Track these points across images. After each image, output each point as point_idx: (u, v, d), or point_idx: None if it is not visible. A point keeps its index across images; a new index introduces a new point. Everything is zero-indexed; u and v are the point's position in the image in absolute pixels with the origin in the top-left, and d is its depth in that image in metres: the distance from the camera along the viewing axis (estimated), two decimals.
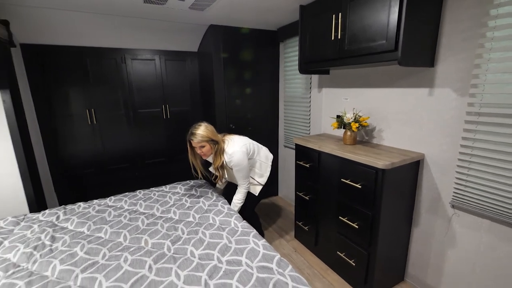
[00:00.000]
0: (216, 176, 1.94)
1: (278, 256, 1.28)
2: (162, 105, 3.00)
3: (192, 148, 1.86)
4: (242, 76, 2.84)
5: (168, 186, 2.27)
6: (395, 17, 1.32)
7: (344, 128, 1.93)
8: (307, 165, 2.06)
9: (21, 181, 2.06)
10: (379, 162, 1.47)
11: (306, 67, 2.09)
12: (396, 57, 1.35)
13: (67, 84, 2.53)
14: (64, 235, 1.51)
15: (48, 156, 2.56)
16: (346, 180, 1.69)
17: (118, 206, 1.91)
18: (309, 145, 2.01)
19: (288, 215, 2.90)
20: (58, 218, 1.71)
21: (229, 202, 1.97)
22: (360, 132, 2.06)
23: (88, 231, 1.58)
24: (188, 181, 2.35)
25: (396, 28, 1.33)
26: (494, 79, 1.27)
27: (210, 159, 1.97)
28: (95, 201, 1.99)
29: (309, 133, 2.67)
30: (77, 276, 1.17)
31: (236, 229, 1.56)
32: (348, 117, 1.88)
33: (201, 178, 2.04)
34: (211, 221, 1.67)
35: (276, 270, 1.19)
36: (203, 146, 1.79)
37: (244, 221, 1.67)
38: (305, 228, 2.22)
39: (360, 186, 1.60)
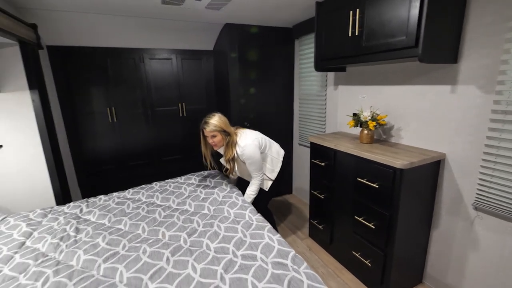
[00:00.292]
0: (227, 169, 1.96)
1: (293, 252, 1.28)
2: (179, 103, 3.06)
3: (204, 137, 1.86)
4: (257, 74, 2.84)
5: (183, 177, 2.30)
6: (416, 12, 1.28)
7: (360, 126, 1.90)
8: (322, 164, 2.05)
9: (49, 177, 2.18)
10: (397, 161, 1.44)
11: (322, 64, 2.07)
12: (416, 54, 1.31)
13: (89, 83, 2.64)
14: (87, 226, 1.59)
15: (72, 153, 2.70)
16: (363, 179, 1.66)
17: (136, 199, 1.98)
18: (325, 144, 2.00)
19: (302, 213, 2.89)
20: (81, 210, 1.80)
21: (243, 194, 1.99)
22: (378, 131, 2.02)
23: (109, 223, 1.65)
24: (202, 172, 2.38)
25: (417, 23, 1.28)
26: None
27: (221, 151, 1.98)
28: (115, 194, 2.06)
29: (325, 131, 2.64)
30: (99, 265, 1.23)
31: (251, 222, 1.56)
32: (365, 115, 1.84)
33: (210, 169, 2.04)
34: (225, 214, 1.68)
35: (291, 266, 1.18)
36: (215, 136, 1.80)
37: (259, 214, 1.68)
38: (320, 226, 2.21)
39: (377, 186, 1.57)
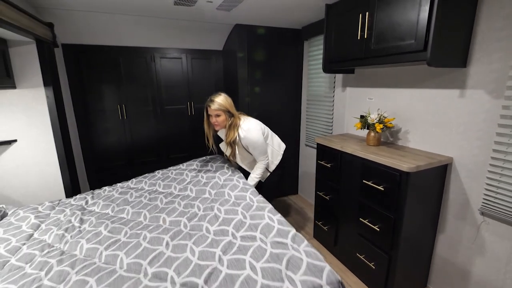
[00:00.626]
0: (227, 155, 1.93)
1: (293, 231, 1.25)
2: (187, 102, 3.11)
3: (208, 116, 1.84)
4: (266, 74, 2.87)
5: (185, 164, 2.28)
6: (425, 16, 1.28)
7: (367, 128, 1.90)
8: (329, 165, 2.06)
9: (60, 171, 2.25)
10: (404, 164, 1.44)
11: (330, 66, 2.08)
12: (425, 58, 1.32)
13: (101, 81, 2.71)
14: (91, 217, 1.61)
15: (83, 148, 2.77)
16: (368, 181, 1.67)
17: (139, 188, 1.99)
18: (331, 145, 2.01)
19: (307, 214, 2.90)
20: (87, 202, 1.83)
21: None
22: (385, 133, 2.02)
23: (112, 212, 1.67)
24: (204, 157, 2.35)
25: (426, 27, 1.29)
26: None
27: (222, 135, 1.96)
28: (119, 184, 2.08)
29: (332, 133, 2.65)
30: (101, 253, 1.25)
31: (252, 203, 1.53)
32: (372, 117, 1.85)
33: (210, 151, 2.01)
34: (226, 197, 1.65)
35: (291, 245, 1.16)
36: (219, 116, 1.78)
37: (260, 195, 1.64)
38: (325, 228, 2.22)
39: (382, 189, 1.58)
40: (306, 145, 3.12)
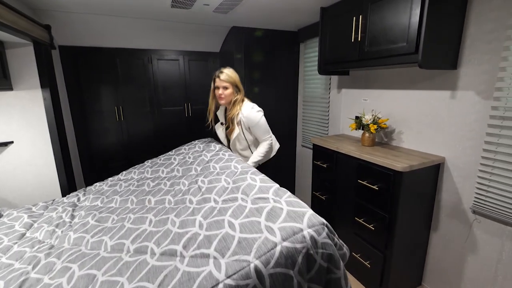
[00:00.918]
0: (228, 127, 1.89)
1: (275, 186, 1.20)
2: (185, 104, 3.12)
3: (214, 89, 1.79)
4: (263, 76, 2.89)
5: (174, 150, 2.26)
6: (416, 20, 1.32)
7: (362, 129, 1.93)
8: (324, 165, 2.08)
9: (57, 172, 2.25)
10: (397, 164, 1.47)
11: (325, 68, 2.11)
12: (416, 60, 1.35)
13: (98, 82, 2.71)
14: (81, 211, 1.61)
15: (80, 149, 2.77)
16: (363, 181, 1.70)
17: (129, 178, 1.97)
18: (327, 146, 2.03)
19: None
20: (78, 199, 1.82)
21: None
22: (379, 134, 2.05)
23: (101, 204, 1.67)
24: (192, 141, 2.30)
25: (417, 31, 1.33)
26: None
27: (221, 117, 1.93)
28: (109, 178, 2.06)
29: (327, 134, 2.68)
30: (88, 241, 1.25)
31: (236, 170, 1.46)
32: (367, 118, 1.88)
33: (208, 126, 1.97)
34: (211, 170, 1.60)
35: (272, 199, 1.10)
36: (227, 88, 1.73)
37: (247, 163, 1.60)
38: None
39: (377, 188, 1.61)
40: (303, 146, 3.15)
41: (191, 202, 1.32)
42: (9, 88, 1.96)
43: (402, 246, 1.64)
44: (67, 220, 1.54)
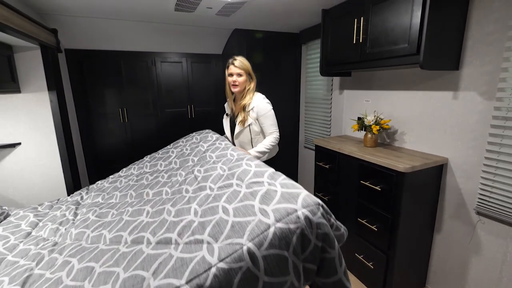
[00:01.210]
0: (233, 118, 1.88)
1: (271, 170, 1.16)
2: (188, 105, 3.15)
3: (229, 76, 1.76)
4: (265, 78, 2.90)
5: (172, 144, 2.26)
6: (418, 21, 1.33)
7: (364, 130, 1.94)
8: (327, 166, 2.09)
9: (62, 173, 2.28)
10: (399, 165, 1.47)
11: (327, 69, 2.12)
12: (418, 61, 1.36)
13: (103, 85, 2.76)
14: (83, 208, 1.64)
15: (85, 151, 2.81)
16: (366, 182, 1.70)
17: (129, 174, 2.00)
18: (329, 147, 2.04)
19: None
20: (82, 198, 1.86)
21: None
22: (382, 135, 2.05)
23: (102, 200, 1.70)
24: (190, 134, 2.28)
25: (419, 32, 1.33)
26: None
27: (228, 108, 1.93)
28: (110, 176, 2.09)
29: (330, 135, 2.68)
30: (88, 236, 1.27)
31: (232, 158, 1.43)
32: (369, 119, 1.88)
33: (227, 115, 1.98)
34: (208, 159, 1.58)
35: (267, 182, 1.07)
36: (241, 75, 1.72)
37: (243, 151, 1.57)
38: None
39: (379, 189, 1.61)
40: (305, 147, 3.15)
41: (187, 191, 1.31)
42: (17, 91, 2.01)
43: (405, 247, 1.63)
44: (71, 218, 1.57)
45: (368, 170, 1.70)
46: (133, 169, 2.04)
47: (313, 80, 2.86)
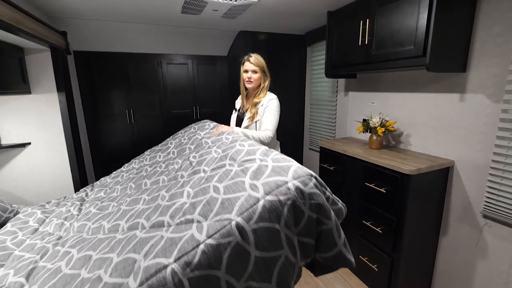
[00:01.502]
0: (242, 113, 1.86)
1: (264, 148, 1.13)
2: (193, 107, 3.18)
3: (244, 72, 1.76)
4: (270, 79, 2.92)
5: (171, 136, 2.26)
6: (424, 23, 1.32)
7: (369, 132, 1.93)
8: (331, 168, 2.09)
9: (70, 172, 2.33)
10: (405, 167, 1.47)
11: (332, 71, 2.12)
12: (424, 63, 1.35)
13: (110, 86, 2.80)
14: (87, 203, 1.68)
15: (92, 151, 2.85)
16: (370, 184, 1.70)
17: (130, 168, 2.03)
18: (334, 148, 2.04)
19: None
20: (87, 194, 1.90)
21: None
22: (387, 137, 2.05)
23: (104, 195, 1.73)
24: (189, 125, 2.24)
25: (425, 34, 1.33)
26: None
27: (238, 104, 1.94)
28: (113, 172, 2.11)
29: (335, 137, 2.68)
30: (89, 228, 1.29)
31: (226, 141, 1.39)
32: (374, 121, 1.88)
33: (237, 111, 1.95)
34: (203, 145, 1.56)
35: (259, 159, 1.03)
36: (256, 72, 1.72)
37: (237, 134, 1.55)
38: None
39: (384, 191, 1.60)
40: (310, 149, 3.15)
41: (182, 177, 1.30)
42: (28, 92, 2.05)
43: (410, 249, 1.62)
44: (75, 213, 1.60)
45: (373, 172, 1.70)
46: (134, 164, 2.07)
47: (318, 81, 2.86)
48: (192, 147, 1.69)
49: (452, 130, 1.61)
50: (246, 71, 1.75)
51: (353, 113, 2.39)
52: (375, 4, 1.62)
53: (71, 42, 2.41)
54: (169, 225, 0.92)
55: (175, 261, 0.72)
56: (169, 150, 1.92)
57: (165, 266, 0.72)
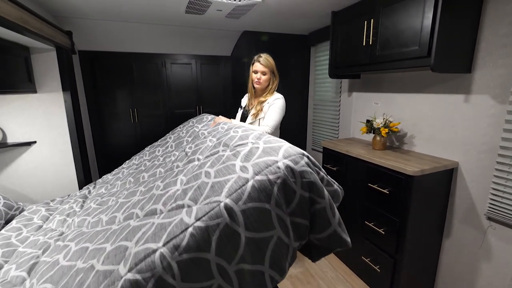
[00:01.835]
0: (247, 111, 1.87)
1: (256, 132, 1.12)
2: (196, 106, 3.19)
3: (253, 73, 1.76)
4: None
5: (171, 131, 2.28)
6: (429, 23, 1.32)
7: (373, 133, 1.92)
8: (334, 169, 2.08)
9: (75, 171, 2.35)
10: (408, 168, 1.46)
11: (336, 71, 2.12)
12: (429, 63, 1.35)
13: (114, 85, 2.82)
14: (89, 200, 1.70)
15: (96, 149, 2.88)
16: (373, 185, 1.69)
17: (130, 164, 2.05)
18: (337, 149, 2.03)
19: None
20: (89, 192, 1.93)
21: None
22: (391, 138, 2.04)
23: (105, 191, 1.76)
24: (188, 120, 2.27)
25: (430, 34, 1.32)
26: None
27: (244, 102, 1.94)
28: (115, 169, 2.13)
29: (338, 137, 2.67)
30: (89, 222, 1.31)
31: (222, 130, 1.39)
32: (378, 122, 1.87)
33: (243, 109, 1.95)
34: (200, 136, 1.56)
35: (251, 142, 1.02)
36: (265, 74, 1.71)
37: (229, 121, 1.57)
38: None
39: (387, 192, 1.60)
40: (313, 149, 3.15)
41: (178, 167, 1.31)
42: (34, 91, 2.08)
43: (413, 251, 1.62)
44: (77, 209, 1.63)
45: (376, 173, 1.69)
46: (134, 160, 2.10)
47: (321, 82, 2.85)
48: (190, 139, 1.69)
49: (457, 131, 1.60)
50: (256, 72, 1.74)
51: (357, 114, 2.39)
52: (379, 4, 1.62)
53: (76, 42, 2.43)
54: (161, 212, 0.92)
55: (164, 245, 0.72)
56: (167, 145, 1.94)
57: (154, 251, 0.71)
